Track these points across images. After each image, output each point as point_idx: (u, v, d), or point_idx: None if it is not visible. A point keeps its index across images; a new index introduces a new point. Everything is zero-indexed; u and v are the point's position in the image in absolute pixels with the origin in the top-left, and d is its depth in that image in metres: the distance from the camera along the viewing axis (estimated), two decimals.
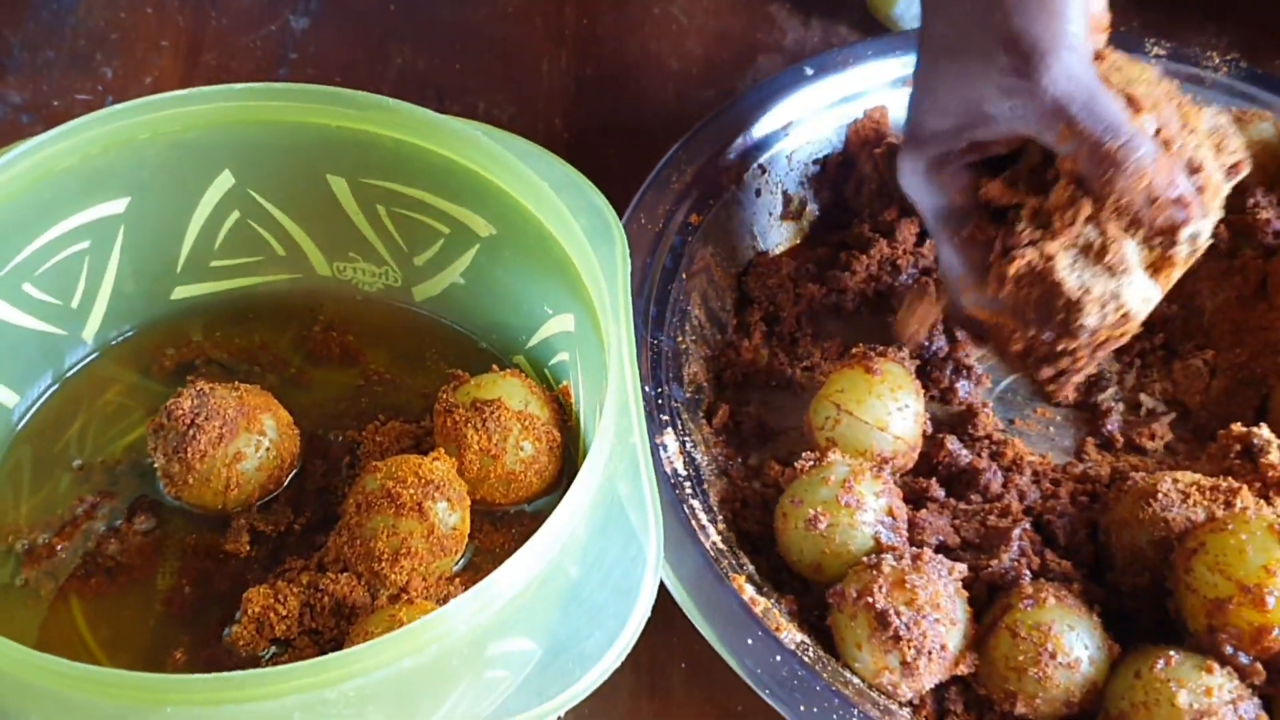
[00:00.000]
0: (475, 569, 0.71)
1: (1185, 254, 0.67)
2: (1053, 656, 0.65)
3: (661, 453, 0.73)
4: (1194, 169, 0.67)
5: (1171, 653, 0.65)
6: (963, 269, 0.73)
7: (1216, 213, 0.68)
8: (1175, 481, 0.70)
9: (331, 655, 0.53)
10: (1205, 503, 0.69)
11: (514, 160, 0.70)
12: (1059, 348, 0.72)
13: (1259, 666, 0.64)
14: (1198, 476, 0.71)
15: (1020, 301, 0.70)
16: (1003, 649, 0.66)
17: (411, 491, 0.67)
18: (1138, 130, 0.66)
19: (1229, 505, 0.69)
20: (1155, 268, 0.69)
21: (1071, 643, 0.66)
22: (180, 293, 0.79)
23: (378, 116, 0.72)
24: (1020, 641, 0.66)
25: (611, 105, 1.00)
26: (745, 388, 0.83)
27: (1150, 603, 0.70)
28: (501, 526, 0.73)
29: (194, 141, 0.73)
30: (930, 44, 0.72)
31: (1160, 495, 0.70)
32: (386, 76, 1.00)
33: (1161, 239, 0.67)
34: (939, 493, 0.77)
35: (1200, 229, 0.67)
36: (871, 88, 0.91)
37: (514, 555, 0.57)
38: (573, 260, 0.69)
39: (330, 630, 0.66)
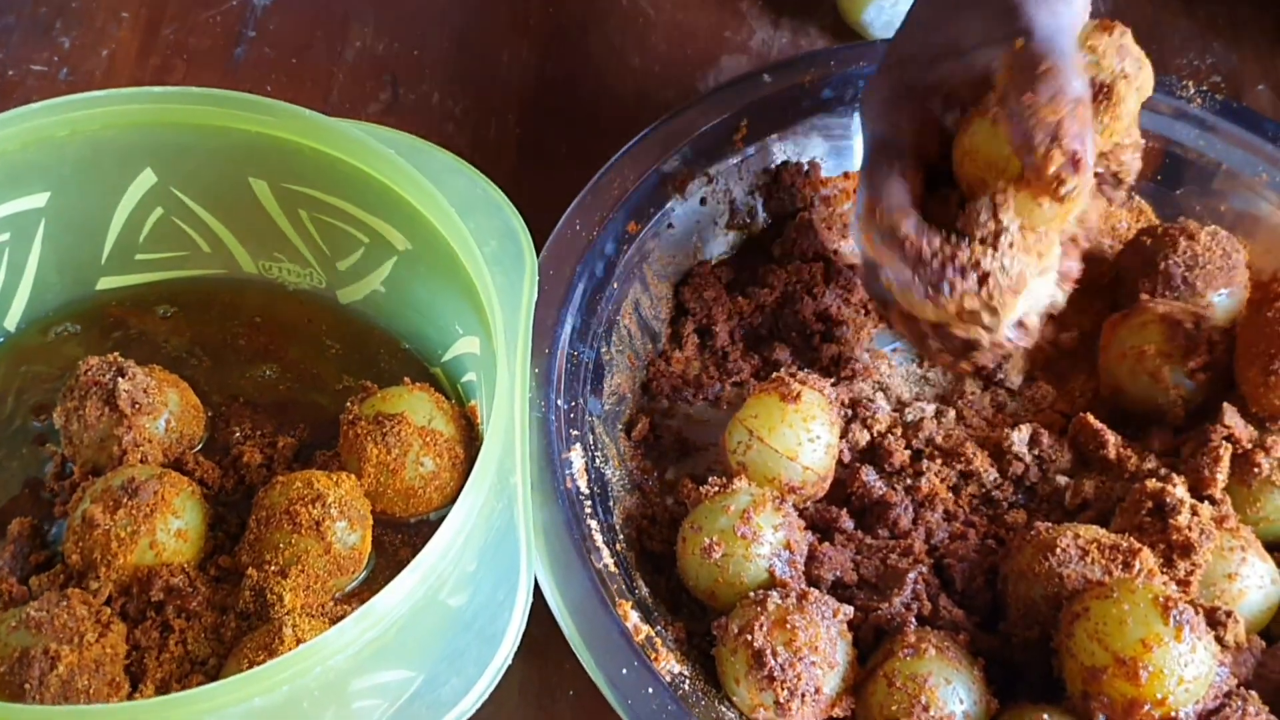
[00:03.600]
0: (375, 580, 0.71)
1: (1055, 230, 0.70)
2: (925, 709, 0.65)
3: (565, 469, 0.73)
4: (1101, 152, 0.70)
5: (1044, 716, 0.65)
6: (873, 195, 0.71)
7: (1091, 203, 0.71)
8: (1076, 537, 0.70)
9: (176, 694, 0.54)
10: (1104, 561, 0.69)
11: (423, 180, 0.70)
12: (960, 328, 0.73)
13: None
14: (1101, 533, 0.70)
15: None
16: (879, 697, 0.66)
17: (310, 510, 0.68)
18: (1081, 76, 0.67)
19: (1127, 567, 0.68)
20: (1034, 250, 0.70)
21: (946, 696, 0.66)
22: (105, 283, 0.80)
23: (295, 125, 0.72)
24: (895, 691, 0.66)
25: (568, 102, 0.99)
26: (672, 400, 0.83)
27: (1039, 657, 0.70)
28: (405, 535, 0.73)
29: (114, 140, 0.73)
30: None
31: (1059, 550, 0.69)
32: (343, 59, 0.99)
33: (1042, 191, 0.67)
34: (847, 524, 0.76)
35: (1075, 189, 0.66)
36: (830, 98, 0.90)
37: (380, 592, 0.58)
38: (476, 286, 0.69)
39: (228, 629, 0.67)
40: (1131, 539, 0.70)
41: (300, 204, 0.76)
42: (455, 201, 0.71)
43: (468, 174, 0.74)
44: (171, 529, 0.68)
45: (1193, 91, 0.91)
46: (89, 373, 0.73)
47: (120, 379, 0.71)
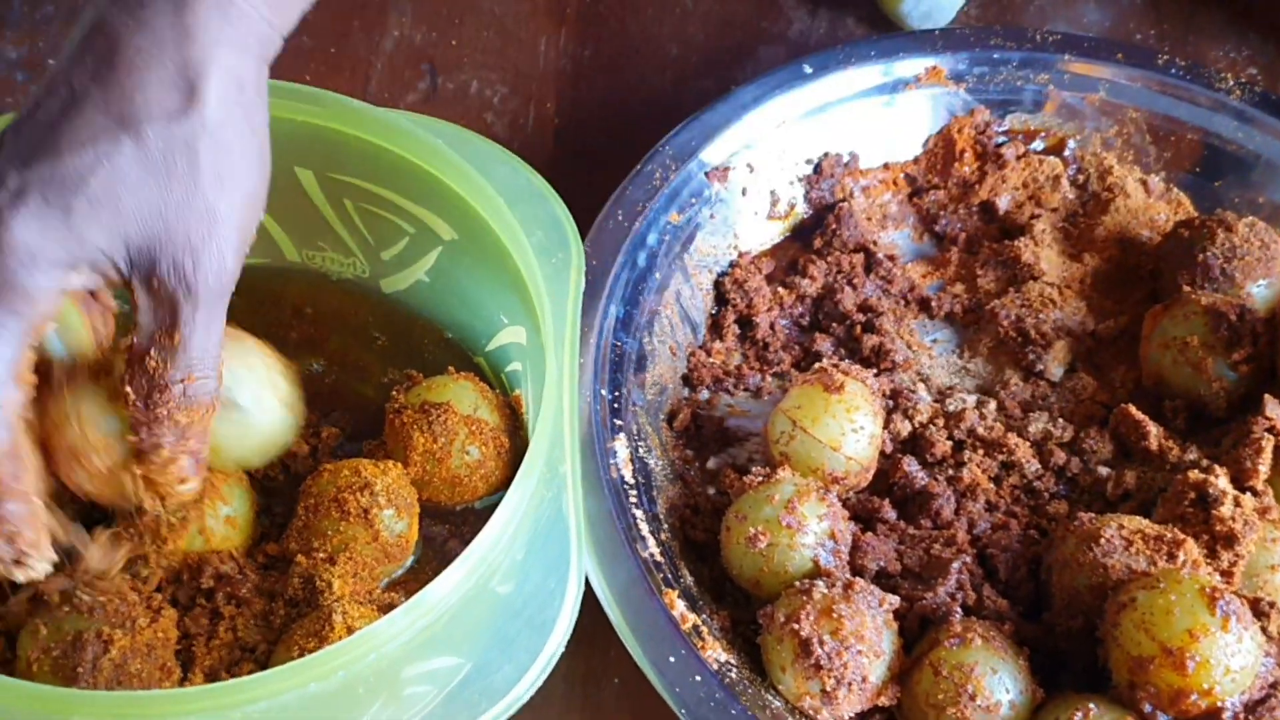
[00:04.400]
0: (424, 570, 0.72)
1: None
2: (972, 698, 0.65)
3: (610, 459, 0.73)
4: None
5: (1091, 705, 0.65)
6: None
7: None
8: (1121, 527, 0.70)
9: (235, 680, 0.54)
10: (1148, 552, 0.69)
11: (471, 170, 0.70)
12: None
13: None
14: (1145, 524, 0.70)
15: None
16: (925, 685, 0.67)
17: (358, 497, 0.68)
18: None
19: (1171, 557, 0.68)
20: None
21: (993, 685, 0.66)
22: None
23: (341, 115, 0.73)
24: (942, 680, 0.66)
25: (606, 90, 0.99)
26: (713, 391, 0.83)
27: (1083, 647, 0.70)
28: (451, 524, 0.74)
29: None
30: None
31: (1104, 540, 0.69)
32: (381, 49, 0.99)
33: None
34: (890, 514, 0.77)
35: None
36: (871, 88, 0.90)
37: (433, 581, 0.58)
38: (524, 276, 0.69)
39: (277, 616, 0.68)
40: (1175, 530, 0.70)
41: (346, 194, 0.76)
42: (501, 191, 0.71)
43: (512, 164, 0.74)
44: (220, 515, 0.68)
45: (1231, 83, 0.90)
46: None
47: None
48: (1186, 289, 0.82)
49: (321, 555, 0.68)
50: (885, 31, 1.01)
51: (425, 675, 0.61)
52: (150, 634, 0.64)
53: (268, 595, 0.68)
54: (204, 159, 0.56)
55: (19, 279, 0.54)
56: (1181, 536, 0.69)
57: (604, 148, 0.95)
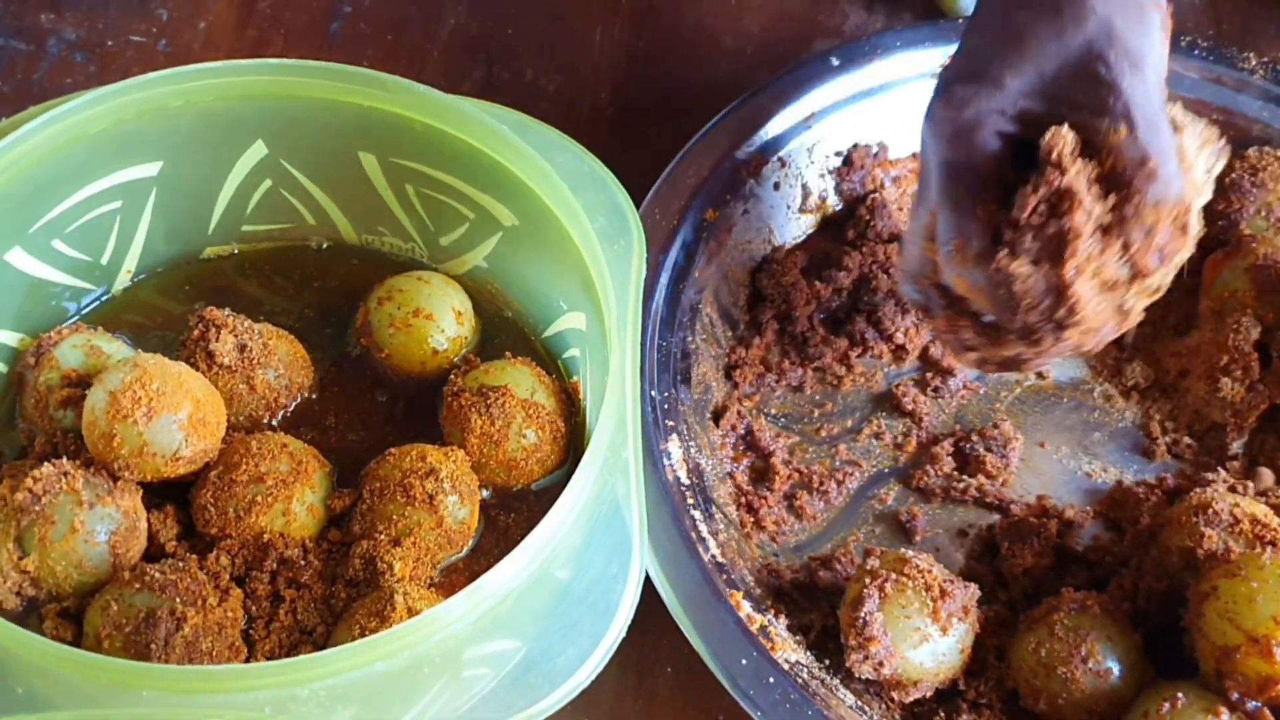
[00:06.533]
0: (481, 553, 0.72)
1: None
2: (1084, 660, 0.66)
3: (665, 460, 0.73)
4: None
5: (1179, 695, 0.65)
6: (959, 235, 0.69)
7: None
8: (1235, 505, 0.70)
9: (304, 657, 0.55)
10: (1250, 535, 0.68)
11: (536, 156, 0.71)
12: (1015, 345, 0.71)
13: (1266, 713, 0.64)
14: (1262, 510, 0.70)
15: (1016, 288, 0.68)
16: (1035, 643, 0.68)
17: (424, 483, 0.68)
18: (1178, 168, 0.66)
19: (1276, 545, 0.68)
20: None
21: (1106, 652, 0.67)
22: (211, 253, 0.80)
23: (407, 100, 0.73)
24: (1056, 641, 0.67)
25: (660, 81, 0.99)
26: (756, 387, 0.83)
27: (1160, 612, 0.70)
28: (506, 508, 0.74)
29: (227, 112, 0.74)
30: None
31: (1212, 510, 0.69)
32: (437, 38, 0.99)
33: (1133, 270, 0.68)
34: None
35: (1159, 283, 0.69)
36: (899, 79, 0.89)
37: (497, 565, 0.58)
38: (586, 262, 0.69)
39: (338, 599, 0.68)
40: None
41: (408, 179, 0.77)
42: (563, 178, 0.71)
43: (574, 150, 0.75)
44: (306, 502, 0.69)
45: (1255, 64, 0.92)
46: (199, 325, 0.73)
47: (226, 332, 0.72)
48: (1246, 234, 0.83)
49: (385, 538, 0.68)
50: None
51: (484, 658, 0.61)
52: (220, 613, 0.64)
53: (328, 579, 0.68)
54: None
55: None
56: None
57: (657, 139, 0.95)
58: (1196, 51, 0.92)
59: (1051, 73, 0.66)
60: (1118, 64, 0.65)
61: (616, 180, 0.74)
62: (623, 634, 0.61)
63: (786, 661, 0.67)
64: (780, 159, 0.87)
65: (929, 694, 0.68)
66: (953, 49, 0.89)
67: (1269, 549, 0.67)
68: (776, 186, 0.88)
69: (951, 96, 0.68)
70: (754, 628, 0.68)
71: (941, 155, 0.69)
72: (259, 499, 0.68)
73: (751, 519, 0.77)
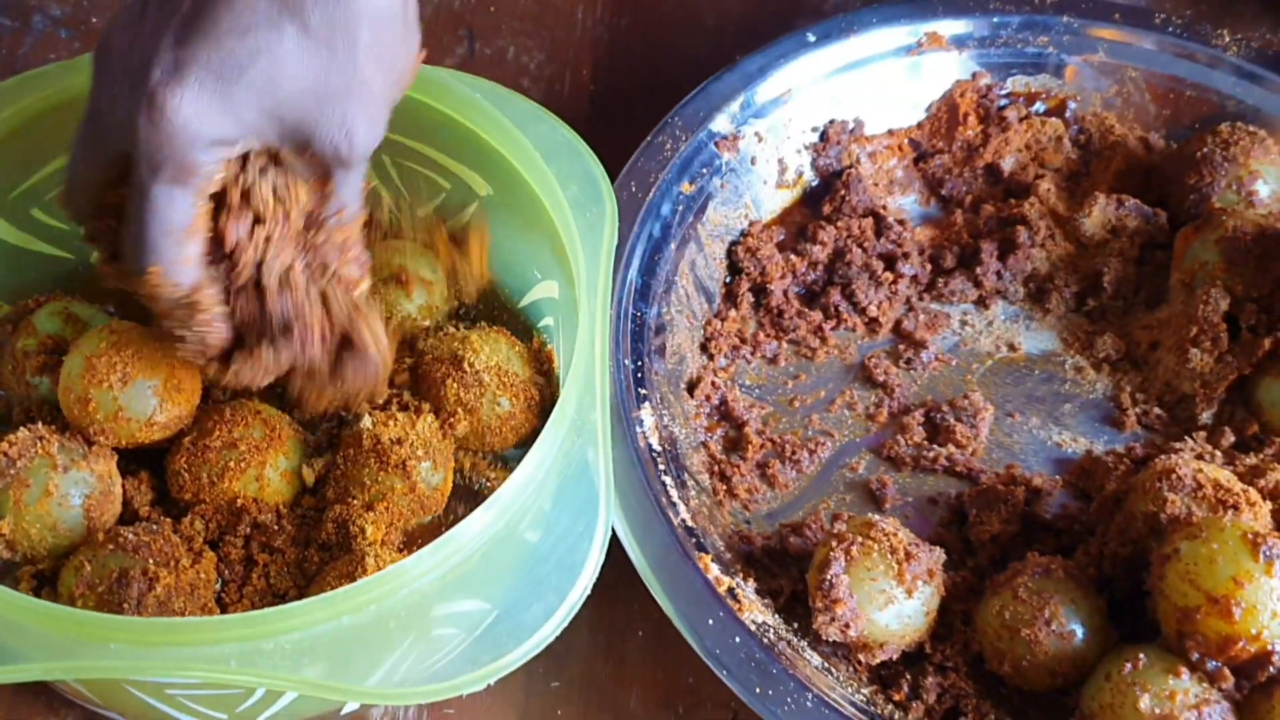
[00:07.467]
0: (455, 518, 0.72)
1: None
2: (1047, 622, 0.67)
3: (638, 428, 0.74)
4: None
5: (1141, 655, 0.65)
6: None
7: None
8: (1199, 471, 0.70)
9: (270, 610, 0.55)
10: (1213, 500, 0.69)
11: (509, 124, 0.71)
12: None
13: (1226, 672, 0.64)
14: (1225, 476, 0.70)
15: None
16: (998, 606, 0.68)
17: (398, 449, 0.69)
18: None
19: (1234, 509, 0.68)
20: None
21: (1069, 615, 0.67)
22: None
23: None
24: (1019, 603, 0.68)
25: (642, 59, 0.99)
26: (730, 359, 0.84)
27: (1125, 578, 0.71)
28: (484, 473, 0.75)
29: None
30: None
31: (1175, 475, 0.70)
32: (421, 14, 0.98)
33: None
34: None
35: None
36: (875, 55, 0.91)
37: (464, 520, 0.59)
38: (558, 229, 0.70)
39: (310, 563, 0.69)
40: (1250, 490, 0.70)
41: (383, 149, 0.76)
42: (537, 147, 0.72)
43: (549, 121, 0.75)
44: (280, 468, 0.70)
45: (1228, 39, 0.93)
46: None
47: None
48: (1217, 208, 0.84)
49: (358, 503, 0.69)
50: None
51: (454, 617, 0.62)
52: (193, 574, 0.65)
53: (302, 544, 0.69)
54: (362, 39, 0.59)
55: (186, 157, 0.58)
56: (1255, 497, 0.69)
57: (639, 116, 0.95)
58: (1170, 29, 0.92)
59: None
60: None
61: (590, 149, 0.74)
62: (588, 591, 0.61)
63: (754, 623, 0.68)
64: (757, 134, 0.88)
65: (895, 656, 0.69)
66: (929, 26, 0.91)
67: (1230, 512, 0.67)
68: (753, 161, 0.88)
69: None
70: (721, 589, 0.69)
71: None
72: (232, 464, 0.69)
73: (724, 487, 0.78)
